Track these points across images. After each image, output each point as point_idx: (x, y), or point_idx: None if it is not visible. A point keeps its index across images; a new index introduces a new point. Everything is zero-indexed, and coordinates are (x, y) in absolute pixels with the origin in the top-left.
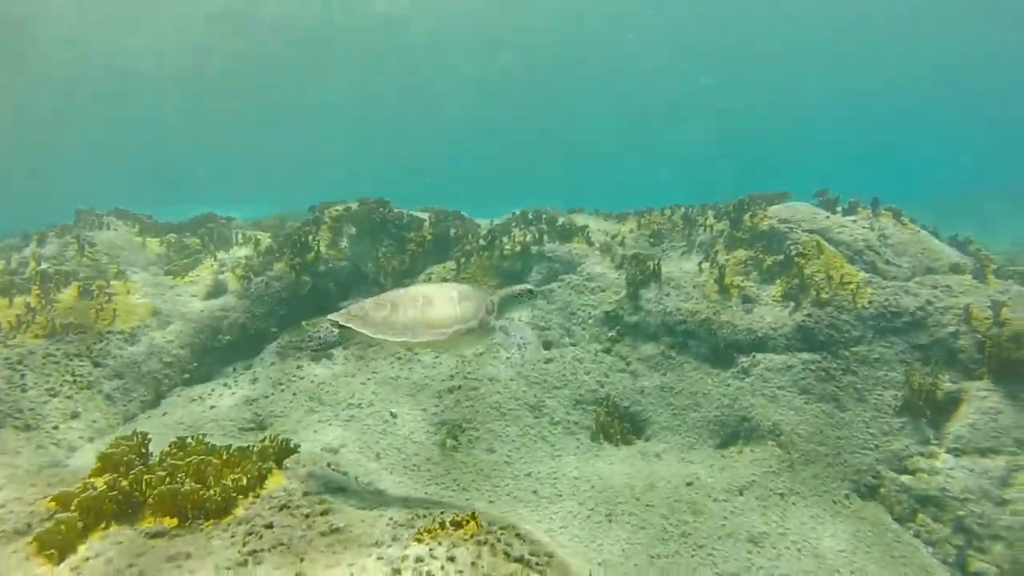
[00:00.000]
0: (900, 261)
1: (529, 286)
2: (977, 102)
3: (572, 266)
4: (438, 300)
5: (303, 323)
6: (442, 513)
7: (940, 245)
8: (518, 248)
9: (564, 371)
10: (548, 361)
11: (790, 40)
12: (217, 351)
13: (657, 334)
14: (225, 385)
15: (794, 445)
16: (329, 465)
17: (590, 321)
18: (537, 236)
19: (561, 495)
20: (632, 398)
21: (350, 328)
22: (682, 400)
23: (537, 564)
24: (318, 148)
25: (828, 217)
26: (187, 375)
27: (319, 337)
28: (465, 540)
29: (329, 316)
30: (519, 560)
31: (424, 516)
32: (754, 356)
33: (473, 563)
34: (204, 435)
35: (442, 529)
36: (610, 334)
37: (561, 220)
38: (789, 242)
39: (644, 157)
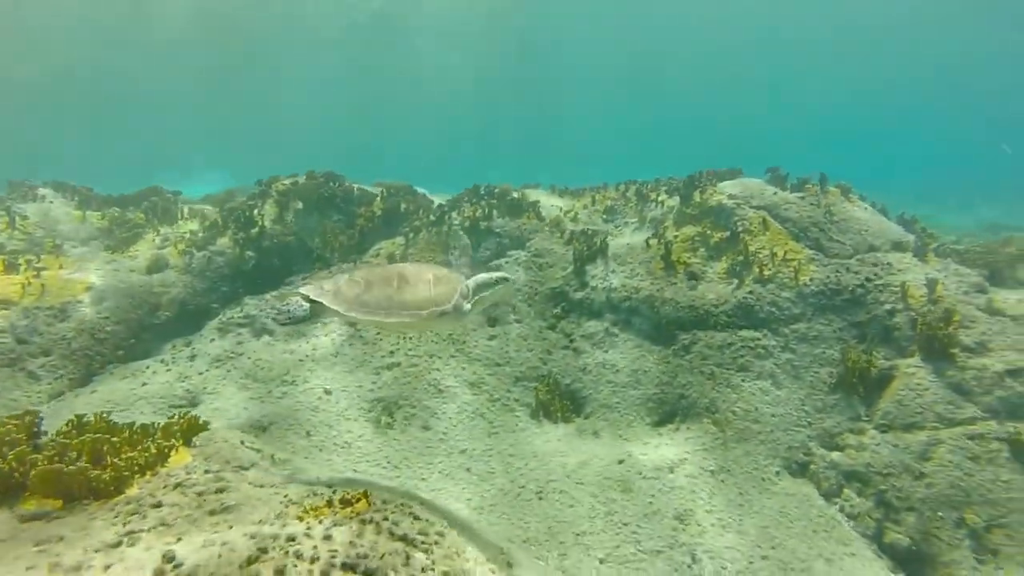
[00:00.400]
0: (844, 238)
1: (506, 274)
2: (977, 102)
3: (521, 242)
4: (413, 281)
5: (269, 294)
6: (334, 492)
7: (886, 223)
8: (467, 223)
9: (507, 348)
10: (491, 338)
11: (790, 40)
12: (156, 327)
13: (601, 311)
14: (162, 362)
15: (729, 423)
16: (243, 443)
17: (536, 298)
18: (487, 211)
19: (494, 472)
20: (574, 375)
21: (321, 304)
22: (623, 378)
23: (423, 543)
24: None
25: (776, 193)
26: (122, 352)
27: (288, 311)
28: (350, 518)
29: (300, 290)
30: (403, 539)
31: (320, 494)
32: (695, 333)
33: (351, 542)
34: (111, 414)
35: (328, 507)
36: (555, 311)
37: (515, 195)
38: (736, 218)
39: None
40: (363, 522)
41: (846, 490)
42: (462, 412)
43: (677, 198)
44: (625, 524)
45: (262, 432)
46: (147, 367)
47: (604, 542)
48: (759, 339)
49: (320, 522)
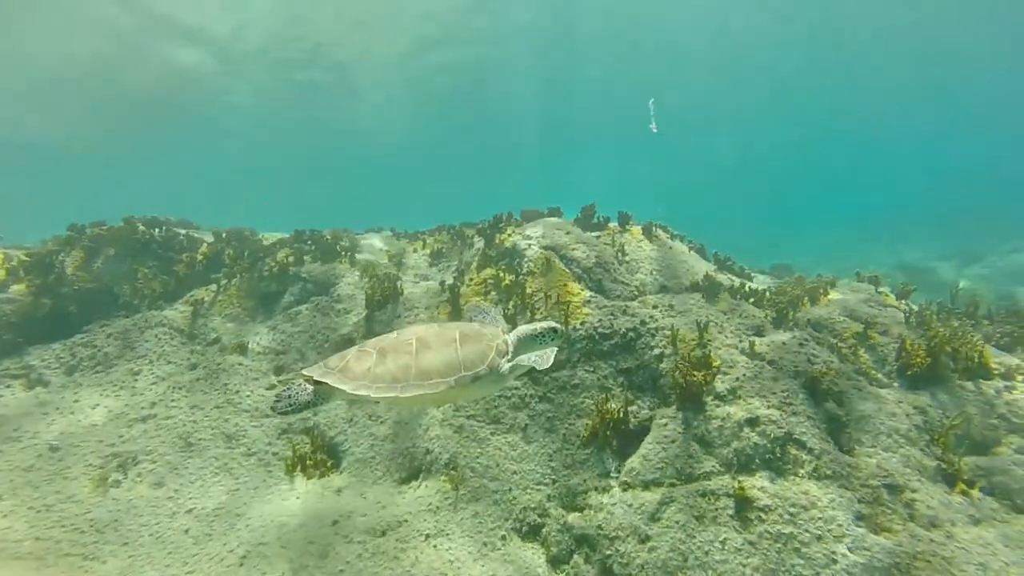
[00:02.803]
0: (631, 279)
1: (553, 323)
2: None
3: (326, 287)
4: (435, 343)
5: (57, 344)
6: None
7: (693, 262)
8: (275, 269)
9: None
10: (270, 388)
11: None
12: None
13: None
14: None
15: (464, 481)
16: None
17: (327, 345)
18: (297, 257)
19: (211, 535)
20: (340, 427)
21: (326, 384)
22: (383, 430)
23: None
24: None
25: (568, 233)
26: None
27: (288, 395)
28: None
29: (303, 371)
30: None
31: None
32: None
33: None
34: None
35: None
36: None
37: (344, 241)
38: (525, 259)
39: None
40: None
41: (575, 556)
42: (206, 467)
43: (482, 240)
44: None
45: None
46: None
47: None
48: (516, 388)
49: None
